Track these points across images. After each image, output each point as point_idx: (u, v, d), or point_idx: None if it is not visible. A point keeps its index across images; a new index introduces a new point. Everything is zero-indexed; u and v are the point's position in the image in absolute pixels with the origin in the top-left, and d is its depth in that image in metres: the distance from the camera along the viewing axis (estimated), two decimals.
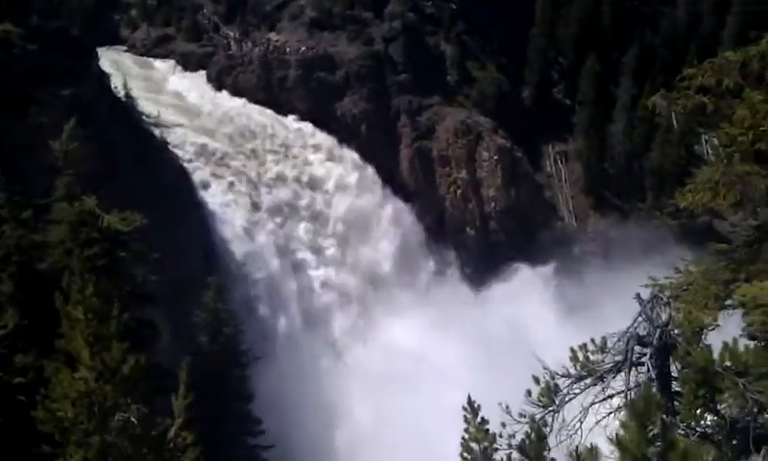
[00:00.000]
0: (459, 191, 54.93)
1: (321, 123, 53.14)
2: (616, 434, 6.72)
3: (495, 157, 54.62)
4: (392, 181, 53.64)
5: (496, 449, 16.47)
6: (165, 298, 27.94)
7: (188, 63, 57.57)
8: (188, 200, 43.54)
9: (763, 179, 14.49)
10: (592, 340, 14.82)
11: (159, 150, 43.58)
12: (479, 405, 17.58)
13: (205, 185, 45.84)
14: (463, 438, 17.35)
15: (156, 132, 44.97)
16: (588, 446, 7.54)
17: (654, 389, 14.03)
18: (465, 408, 17.58)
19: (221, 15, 60.95)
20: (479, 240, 54.47)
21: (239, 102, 53.69)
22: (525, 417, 14.57)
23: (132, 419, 13.95)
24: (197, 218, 43.32)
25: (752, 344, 14.20)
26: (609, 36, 60.11)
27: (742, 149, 14.29)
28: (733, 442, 13.42)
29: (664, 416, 12.53)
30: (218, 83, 55.36)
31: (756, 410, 12.83)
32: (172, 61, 57.59)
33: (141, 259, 22.71)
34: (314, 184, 51.07)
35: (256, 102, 53.89)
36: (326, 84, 54.69)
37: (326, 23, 57.01)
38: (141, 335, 20.58)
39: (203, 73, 56.49)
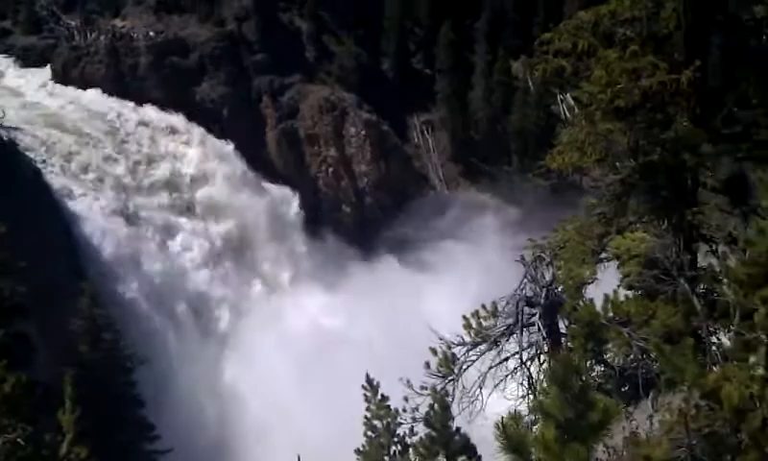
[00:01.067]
0: (330, 169, 54.74)
1: (180, 110, 51.37)
2: (538, 401, 6.84)
3: (363, 132, 54.74)
4: (261, 164, 52.70)
5: (400, 424, 16.64)
6: (35, 309, 26.39)
7: (29, 58, 54.26)
8: (46, 202, 41.13)
9: (624, 134, 15.08)
10: (483, 306, 15.16)
11: (9, 153, 40.89)
12: (378, 382, 17.67)
13: (64, 187, 43.39)
14: (365, 416, 17.41)
15: (3, 133, 42.09)
16: (507, 413, 7.63)
17: (544, 348, 14.60)
18: (364, 387, 17.64)
19: (60, 4, 57.72)
20: (355, 217, 54.59)
21: (89, 94, 50.99)
22: (427, 389, 14.77)
23: (20, 440, 13.22)
24: (57, 221, 41.02)
25: (631, 293, 14.93)
26: (461, 3, 61.23)
27: (602, 107, 14.79)
28: (623, 390, 14.11)
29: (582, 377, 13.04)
30: (64, 76, 52.36)
31: (641, 357, 13.50)
32: (11, 58, 54.07)
33: (6, 270, 21.32)
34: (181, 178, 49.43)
35: (108, 93, 51.40)
36: (181, 69, 52.95)
37: (173, 5, 55.08)
38: (17, 351, 19.37)
39: (46, 68, 53.32)
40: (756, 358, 9.99)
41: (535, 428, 8.01)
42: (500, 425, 7.07)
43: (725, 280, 12.18)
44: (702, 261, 15.68)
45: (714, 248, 15.66)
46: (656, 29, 14.36)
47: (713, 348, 13.33)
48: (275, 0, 57.34)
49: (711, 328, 14.02)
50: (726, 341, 12.64)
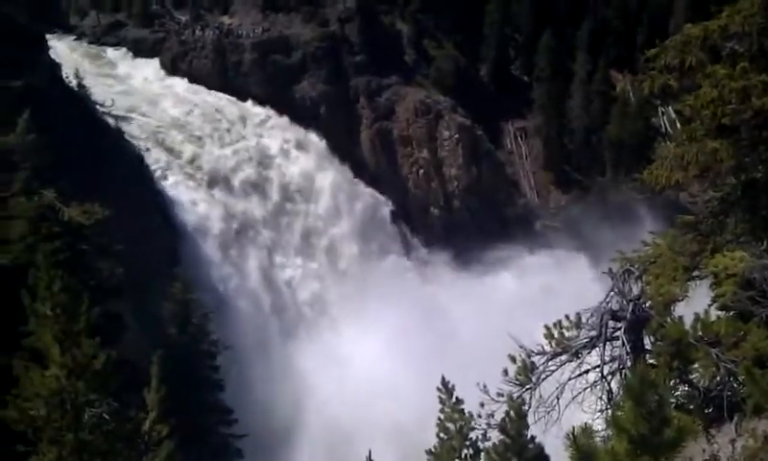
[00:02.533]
0: (421, 171, 54.94)
1: (279, 107, 52.57)
2: (612, 414, 6.75)
3: (456, 136, 54.70)
4: (353, 162, 53.37)
5: (473, 428, 16.58)
6: (129, 290, 27.54)
7: (140, 50, 56.46)
8: (147, 189, 42.80)
9: (727, 152, 14.63)
10: (567, 316, 14.94)
11: (115, 139, 42.73)
12: (453, 385, 17.66)
13: (165, 175, 45.07)
14: (439, 418, 17.43)
15: (111, 121, 44.03)
16: (574, 423, 7.55)
17: (628, 363, 14.26)
18: (439, 389, 17.65)
19: (172, 0, 59.88)
20: (443, 220, 54.56)
21: (195, 88, 52.82)
22: (503, 396, 14.67)
23: (105, 415, 13.78)
24: (157, 208, 42.62)
25: (722, 314, 14.43)
26: (563, 11, 60.42)
27: (706, 124, 14.38)
28: (707, 411, 13.65)
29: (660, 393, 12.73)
30: (172, 69, 54.37)
31: (728, 379, 13.03)
32: (123, 49, 56.40)
33: (105, 252, 22.33)
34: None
35: (212, 88, 53.10)
36: (283, 66, 54.15)
37: (280, 4, 56.43)
38: (109, 329, 20.25)
39: (156, 60, 55.41)
40: None
41: (608, 443, 7.89)
42: (571, 436, 7.00)
43: None
44: None
45: None
46: (766, 44, 13.86)
47: None
48: (377, 2, 57.92)
49: None
50: None
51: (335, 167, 52.35)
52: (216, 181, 47.24)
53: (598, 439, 7.16)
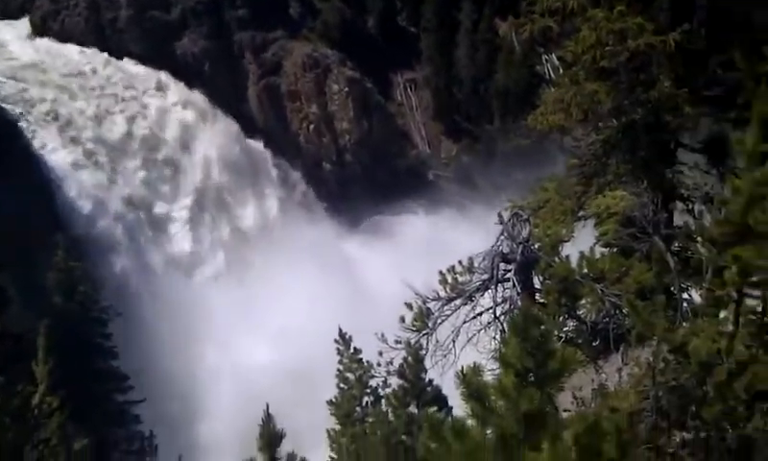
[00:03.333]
0: (312, 126, 54.41)
1: (160, 65, 50.80)
2: (500, 351, 6.94)
3: (346, 90, 54.35)
4: (242, 120, 52.33)
5: (373, 377, 16.82)
6: (9, 260, 26.26)
7: (7, 9, 53.25)
8: (24, 156, 40.65)
9: (607, 95, 15.08)
10: (460, 262, 15.24)
11: None
12: (350, 336, 17.80)
13: (43, 141, 42.87)
14: (338, 369, 17.56)
15: None
16: (469, 364, 7.72)
17: (520, 302, 14.69)
18: (337, 340, 17.76)
19: None
20: (336, 174, 54.42)
21: (68, 48, 50.26)
22: (401, 343, 14.89)
23: None
24: (36, 175, 40.60)
25: (606, 251, 15.04)
26: None
27: (587, 67, 14.75)
28: (594, 344, 14.27)
29: (544, 328, 13.16)
30: (42, 28, 51.50)
31: (613, 312, 13.64)
32: None
33: None
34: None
35: (86, 46, 50.69)
36: (161, 22, 52.22)
37: None
38: None
39: (24, 20, 52.40)
40: (725, 314, 10.11)
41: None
42: (461, 375, 7.17)
43: (699, 239, 12.26)
44: (678, 220, 15.80)
45: (690, 207, 15.79)
46: None
47: (684, 304, 13.50)
48: None
49: (683, 285, 14.19)
50: (697, 298, 12.77)
51: (222, 125, 51.21)
52: (97, 145, 45.32)
53: (491, 377, 7.33)
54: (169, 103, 50.37)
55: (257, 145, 52.70)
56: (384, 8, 60.15)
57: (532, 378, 6.95)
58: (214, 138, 50.41)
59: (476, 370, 7.54)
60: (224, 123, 51.52)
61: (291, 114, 54.29)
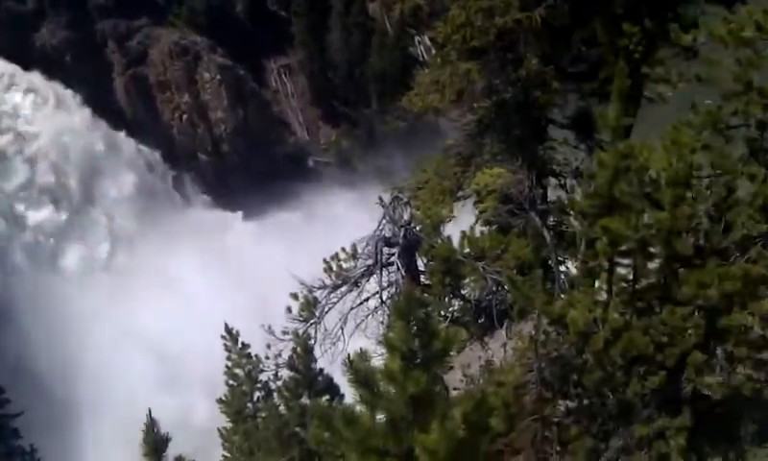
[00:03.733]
0: (184, 116, 52.86)
1: (17, 58, 48.01)
2: (382, 335, 6.96)
3: (218, 78, 53.06)
4: (109, 113, 50.18)
5: (262, 371, 16.57)
6: None
7: None
8: None
9: (479, 74, 15.26)
10: (343, 249, 15.20)
11: None
12: (238, 331, 17.46)
13: None
14: (226, 366, 17.20)
15: None
16: (357, 350, 7.70)
17: (405, 285, 14.81)
18: (224, 336, 17.38)
19: None
20: (213, 165, 53.15)
21: None
22: (289, 334, 14.74)
23: None
24: None
25: (486, 229, 15.36)
26: None
27: (458, 47, 14.90)
28: (480, 321, 14.58)
29: (428, 309, 13.29)
30: None
31: (496, 289, 13.97)
32: None
33: None
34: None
35: None
36: (17, 13, 49.34)
37: None
38: None
39: None
40: (599, 284, 10.51)
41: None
42: (348, 362, 7.14)
43: (572, 213, 12.67)
44: (552, 195, 16.30)
45: (563, 182, 16.30)
46: None
47: (562, 276, 13.98)
48: None
49: (560, 258, 14.69)
50: (573, 269, 13.23)
51: (88, 120, 49.02)
52: None
53: (379, 361, 7.33)
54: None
55: (119, 135, 50.52)
56: None
57: (418, 360, 7.00)
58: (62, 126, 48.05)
59: (362, 356, 7.53)
60: (79, 112, 49.02)
61: (161, 105, 52.55)
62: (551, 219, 15.29)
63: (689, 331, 9.77)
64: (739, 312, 9.44)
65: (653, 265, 10.16)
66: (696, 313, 9.83)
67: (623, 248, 9.95)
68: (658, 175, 9.57)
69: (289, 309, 14.83)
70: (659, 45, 13.88)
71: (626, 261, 10.16)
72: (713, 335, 9.85)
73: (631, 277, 10.24)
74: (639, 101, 14.83)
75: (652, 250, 9.89)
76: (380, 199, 15.33)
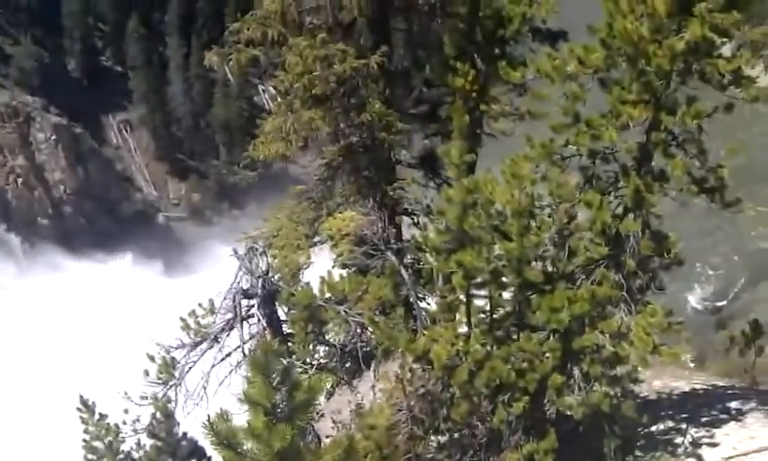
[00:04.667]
0: (20, 180, 50.09)
1: None
2: (243, 392, 6.77)
3: (53, 138, 50.85)
4: None
5: (123, 440, 15.73)
6: None
7: None
8: None
9: (324, 120, 15.40)
10: (200, 304, 14.78)
11: None
12: (94, 402, 16.54)
13: None
14: (84, 440, 16.23)
15: None
16: (218, 410, 7.47)
17: (267, 337, 14.58)
18: (79, 409, 16.41)
19: None
20: (55, 229, 50.45)
21: None
22: (148, 398, 14.09)
23: None
24: None
25: (345, 272, 15.41)
26: None
27: (300, 95, 14.98)
28: (347, 365, 14.55)
29: (288, 360, 13.11)
30: None
31: (359, 331, 14.00)
32: None
33: None
34: None
35: None
36: None
37: None
38: None
39: None
40: (458, 317, 10.76)
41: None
42: (208, 424, 6.91)
43: (426, 249, 12.93)
44: (407, 233, 16.59)
45: (416, 220, 16.64)
46: (340, 17, 14.79)
47: (423, 313, 14.21)
48: None
49: (420, 295, 14.93)
50: (434, 305, 13.48)
51: None
52: None
53: (244, 419, 7.14)
54: None
55: None
56: (84, 48, 57.27)
57: (282, 414, 6.86)
58: None
59: (223, 415, 7.33)
60: None
61: None
62: (408, 257, 15.55)
63: (547, 355, 10.16)
64: (591, 332, 9.92)
65: (507, 294, 10.53)
66: (551, 337, 10.26)
67: (478, 280, 10.27)
68: (503, 207, 9.96)
69: (146, 372, 14.22)
70: (492, 83, 14.53)
71: (482, 293, 10.49)
72: (569, 357, 10.30)
73: (488, 307, 10.56)
74: (480, 137, 15.44)
75: (505, 279, 10.25)
76: (234, 251, 15.07)
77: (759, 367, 15.35)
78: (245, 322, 14.35)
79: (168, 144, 56.87)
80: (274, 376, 6.73)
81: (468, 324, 10.63)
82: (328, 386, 16.23)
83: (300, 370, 14.06)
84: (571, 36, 13.33)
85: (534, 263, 10.28)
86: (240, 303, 14.35)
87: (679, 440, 11.33)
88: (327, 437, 13.26)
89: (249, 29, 14.63)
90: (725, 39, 8.87)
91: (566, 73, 9.63)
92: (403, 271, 14.61)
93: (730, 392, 14.05)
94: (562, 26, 14.52)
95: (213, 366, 14.29)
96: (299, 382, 7.02)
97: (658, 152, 9.53)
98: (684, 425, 11.72)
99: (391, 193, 15.50)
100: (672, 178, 9.46)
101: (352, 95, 15.06)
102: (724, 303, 43.35)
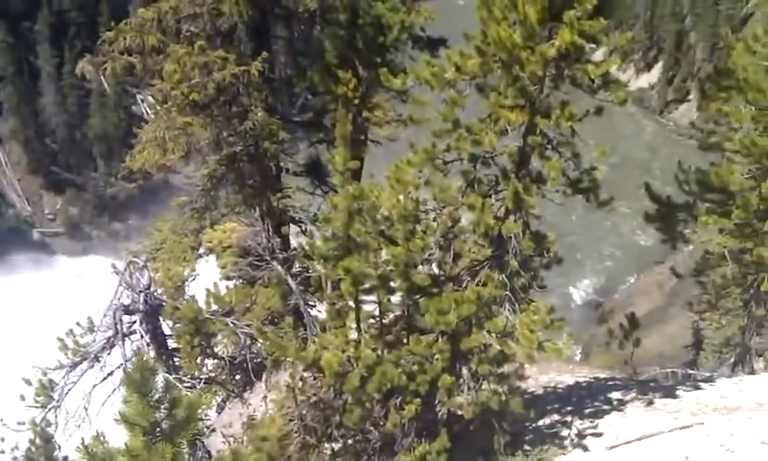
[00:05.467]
0: None
1: None
2: (119, 412, 6.51)
3: None
4: None
5: None
6: None
7: None
8: None
9: (204, 128, 15.07)
10: (78, 323, 14.17)
11: None
12: None
13: None
14: None
15: None
16: (95, 432, 7.18)
17: (150, 354, 14.13)
18: None
19: None
20: None
21: None
22: (25, 423, 13.36)
23: None
24: None
25: (232, 284, 15.13)
26: (15, 6, 56.30)
27: (178, 102, 14.63)
28: (237, 378, 14.29)
29: (166, 376, 12.74)
30: None
31: (248, 343, 13.77)
32: None
33: None
34: None
35: None
36: None
37: None
38: None
39: None
40: (348, 323, 10.75)
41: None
42: (82, 447, 6.62)
43: (314, 257, 12.86)
44: (295, 242, 16.46)
45: (304, 228, 16.53)
46: (219, 24, 14.53)
47: (313, 321, 14.13)
48: None
49: (309, 303, 14.85)
50: (323, 313, 13.42)
51: None
52: None
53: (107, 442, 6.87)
54: None
55: None
56: None
57: (161, 433, 6.63)
58: None
59: (99, 437, 7.05)
60: None
61: None
62: (297, 266, 15.43)
63: (436, 357, 10.28)
64: (478, 332, 10.11)
65: (396, 299, 10.60)
66: (440, 339, 10.39)
67: (366, 285, 10.28)
68: (389, 212, 10.02)
69: (22, 396, 13.49)
70: (374, 90, 14.62)
71: (371, 298, 10.51)
72: (458, 357, 10.46)
73: (377, 312, 10.59)
74: (366, 144, 15.51)
75: (392, 284, 10.31)
76: (113, 266, 14.55)
77: (638, 358, 16.11)
78: (127, 339, 13.88)
79: (42, 157, 54.42)
80: (151, 394, 6.47)
81: (358, 330, 10.63)
82: (219, 400, 15.91)
83: (188, 384, 13.73)
84: (452, 43, 13.59)
85: (420, 267, 10.39)
86: (121, 320, 13.88)
87: (565, 432, 11.72)
88: (219, 452, 12.98)
89: (125, 37, 14.16)
90: (593, 45, 9.23)
91: (445, 79, 9.78)
92: (290, 280, 14.48)
93: (611, 383, 14.67)
94: (444, 34, 14.79)
95: (95, 386, 13.74)
96: (178, 399, 6.80)
97: (535, 155, 9.81)
98: (569, 418, 12.14)
99: (276, 202, 15.34)
100: (549, 179, 9.76)
101: (234, 103, 14.82)
102: (603, 299, 45.30)
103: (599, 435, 11.46)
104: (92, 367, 13.90)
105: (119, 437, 7.09)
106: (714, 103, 13.74)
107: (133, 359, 13.56)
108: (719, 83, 14.09)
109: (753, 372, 14.87)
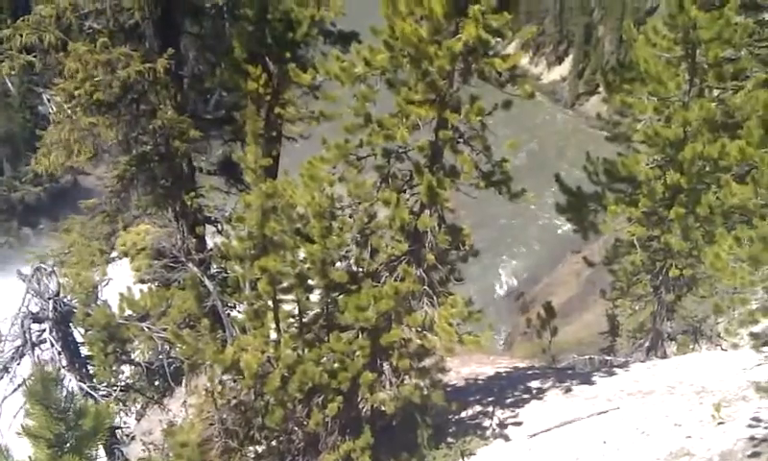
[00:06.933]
0: None
1: None
2: (22, 425, 6.22)
3: None
4: None
5: None
6: None
7: None
8: None
9: (111, 128, 14.61)
10: None
11: None
12: None
13: None
14: None
15: None
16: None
17: (63, 362, 13.63)
18: None
19: None
20: None
21: None
22: None
23: None
24: None
25: (145, 287, 14.73)
26: None
27: (83, 102, 14.17)
28: (156, 384, 13.94)
29: (81, 385, 12.32)
30: None
31: (166, 348, 13.44)
32: None
33: None
34: None
35: None
36: None
37: None
38: None
39: None
40: (267, 323, 10.62)
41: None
42: None
43: (230, 257, 12.65)
44: (211, 243, 16.14)
45: (219, 228, 16.24)
46: (122, 19, 14.10)
47: (231, 323, 13.88)
48: None
49: (228, 304, 14.58)
50: (242, 314, 13.22)
51: None
52: None
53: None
54: None
55: None
56: None
57: (68, 445, 6.40)
58: None
59: (2, 451, 6.72)
60: None
61: None
62: (213, 267, 15.14)
63: (357, 353, 10.27)
64: (397, 327, 10.13)
65: (314, 297, 10.53)
66: (360, 335, 10.38)
67: (284, 284, 10.19)
68: (304, 210, 9.93)
69: None
70: (285, 86, 14.45)
71: (289, 297, 10.41)
72: (379, 353, 10.47)
73: (296, 311, 10.50)
74: (279, 141, 15.32)
75: (311, 282, 10.24)
76: (19, 272, 13.97)
77: (558, 346, 16.44)
78: (36, 348, 13.34)
79: None
80: (55, 405, 6.18)
81: (278, 329, 10.52)
82: (138, 407, 15.50)
83: (103, 393, 13.32)
84: (365, 37, 13.55)
85: (338, 264, 10.36)
86: (30, 329, 13.32)
87: (487, 423, 11.88)
88: (139, 460, 12.66)
89: (21, 35, 13.58)
90: (499, 39, 9.36)
91: (355, 74, 9.75)
92: (207, 281, 14.20)
93: (530, 372, 14.95)
94: (358, 28, 14.70)
95: (5, 398, 13.18)
96: (84, 409, 6.54)
97: (447, 149, 9.88)
98: (490, 409, 12.30)
99: (190, 202, 15.00)
100: (462, 173, 9.84)
101: (141, 101, 14.41)
102: (525, 289, 46.03)
103: (520, 424, 11.66)
104: (1, 378, 13.34)
105: (26, 450, 6.81)
106: (619, 95, 14.10)
107: (51, 367, 13.12)
108: (623, 75, 14.48)
109: (665, 356, 15.35)
